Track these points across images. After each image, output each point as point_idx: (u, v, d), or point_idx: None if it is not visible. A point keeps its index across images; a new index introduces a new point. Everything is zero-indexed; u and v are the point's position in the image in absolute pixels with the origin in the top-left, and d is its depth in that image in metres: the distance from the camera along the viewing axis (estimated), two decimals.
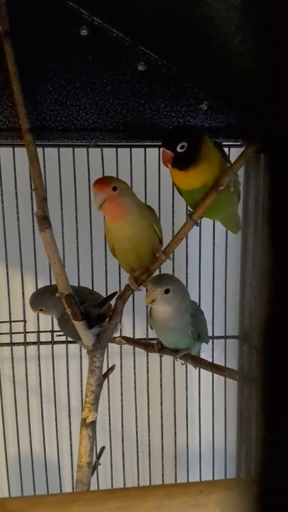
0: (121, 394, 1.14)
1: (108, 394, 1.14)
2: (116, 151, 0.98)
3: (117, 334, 0.96)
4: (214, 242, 1.07)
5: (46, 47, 0.86)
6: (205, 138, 0.79)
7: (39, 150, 0.88)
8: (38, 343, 1.12)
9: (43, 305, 0.92)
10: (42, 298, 0.92)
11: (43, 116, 0.89)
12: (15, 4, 0.83)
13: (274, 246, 0.21)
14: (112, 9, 0.83)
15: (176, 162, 0.78)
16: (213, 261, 1.08)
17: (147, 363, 1.13)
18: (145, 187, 0.99)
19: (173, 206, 1.01)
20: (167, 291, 0.81)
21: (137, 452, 1.18)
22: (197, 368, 0.99)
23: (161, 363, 1.13)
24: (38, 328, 1.11)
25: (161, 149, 0.79)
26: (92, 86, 0.89)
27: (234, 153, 0.89)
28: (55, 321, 0.96)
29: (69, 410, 1.13)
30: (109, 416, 1.15)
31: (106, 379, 0.95)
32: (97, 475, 1.13)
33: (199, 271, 1.08)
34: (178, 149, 0.76)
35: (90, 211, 1.02)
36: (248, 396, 1.13)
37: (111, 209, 0.81)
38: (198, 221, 0.83)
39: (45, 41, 0.86)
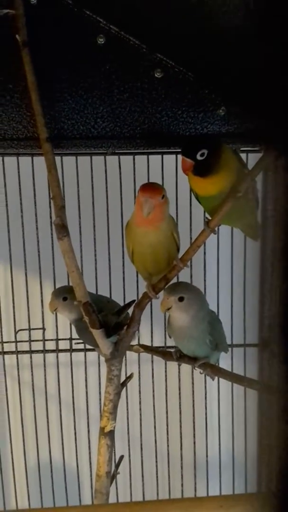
0: (140, 402, 1.13)
1: (127, 402, 1.13)
2: (134, 158, 0.98)
3: (135, 342, 0.96)
4: (232, 249, 1.06)
5: (64, 56, 0.87)
6: (224, 145, 0.79)
7: (57, 158, 0.88)
8: (57, 350, 1.12)
9: (68, 294, 0.90)
10: (67, 291, 0.91)
11: (61, 125, 0.90)
12: (32, 14, 0.84)
13: None
14: (128, 17, 0.83)
15: (196, 169, 0.77)
16: (231, 269, 1.07)
17: (165, 371, 1.12)
18: None
19: (190, 213, 1.00)
20: (181, 299, 0.80)
21: (156, 461, 1.16)
22: (214, 380, 0.97)
23: (179, 372, 1.12)
24: (57, 335, 1.11)
25: (181, 157, 0.79)
26: (110, 94, 0.89)
27: (252, 159, 0.88)
28: (74, 329, 0.96)
29: (87, 418, 1.13)
30: (128, 425, 1.15)
31: (124, 388, 0.95)
32: (116, 484, 1.12)
33: (217, 279, 1.07)
34: (198, 157, 0.76)
35: (108, 219, 1.02)
36: (268, 406, 1.10)
37: (154, 216, 0.81)
38: (216, 229, 0.82)
39: (62, 50, 0.87)
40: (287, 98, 0.21)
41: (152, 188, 0.81)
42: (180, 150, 0.92)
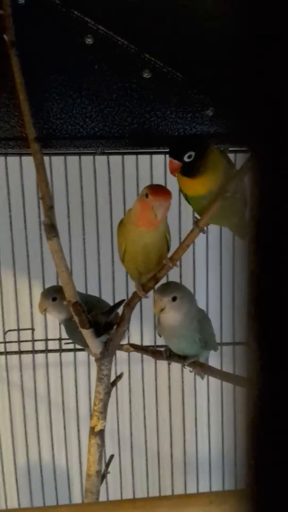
0: (130, 401, 1.14)
1: (117, 401, 1.13)
2: (123, 158, 0.98)
3: (125, 342, 0.96)
4: (221, 248, 1.07)
5: (52, 56, 0.87)
6: (212, 146, 0.80)
7: (46, 158, 0.88)
8: (46, 351, 1.12)
9: (57, 294, 0.90)
10: (56, 291, 0.90)
11: (49, 125, 0.89)
12: (20, 14, 0.84)
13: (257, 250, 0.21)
14: (117, 17, 0.83)
15: (184, 170, 0.78)
16: (220, 268, 1.08)
17: (155, 370, 1.12)
18: None
19: (179, 212, 1.01)
20: (174, 299, 0.81)
21: (146, 460, 1.17)
22: (204, 379, 0.98)
23: (169, 370, 1.12)
24: (46, 336, 1.11)
25: (168, 159, 0.79)
26: (98, 94, 0.89)
27: (240, 159, 0.88)
28: (63, 329, 0.96)
29: (77, 418, 1.13)
30: (118, 424, 1.15)
31: (114, 387, 0.95)
32: (106, 483, 1.12)
33: (207, 278, 1.08)
34: (186, 159, 0.77)
35: (97, 219, 1.02)
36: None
37: (162, 217, 0.81)
38: (205, 228, 0.82)
39: (50, 50, 0.87)
40: (262, 99, 0.22)
41: (164, 192, 0.80)
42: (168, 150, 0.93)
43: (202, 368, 0.88)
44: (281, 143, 0.21)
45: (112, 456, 1.03)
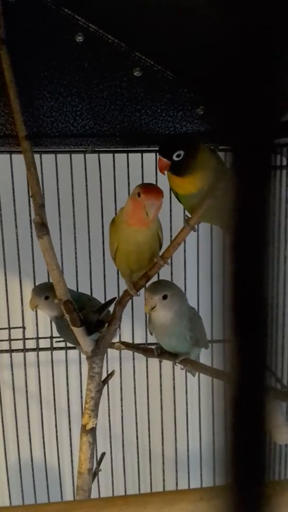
0: (121, 399, 1.14)
1: (108, 399, 1.14)
2: (113, 156, 0.98)
3: (116, 340, 0.96)
4: (212, 246, 1.07)
5: (42, 54, 0.87)
6: (201, 145, 0.80)
7: (36, 156, 0.88)
8: (37, 349, 1.12)
9: (49, 292, 0.90)
10: (48, 289, 0.90)
11: (40, 123, 0.89)
12: (11, 11, 0.83)
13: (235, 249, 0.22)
14: (107, 15, 0.83)
15: (173, 169, 0.78)
16: (211, 265, 1.08)
17: (147, 368, 1.13)
18: None
19: (170, 211, 1.01)
20: (164, 297, 0.81)
21: (138, 458, 1.17)
22: (195, 376, 0.99)
23: (160, 368, 1.13)
24: (37, 334, 1.11)
25: (158, 157, 0.80)
26: (89, 92, 0.89)
27: (231, 158, 0.89)
28: (54, 327, 0.96)
29: (69, 416, 1.13)
30: (109, 422, 1.15)
31: (106, 385, 0.95)
32: (98, 481, 1.12)
33: (197, 276, 1.08)
34: (175, 158, 0.77)
35: (88, 217, 1.02)
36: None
37: (153, 218, 0.81)
38: (196, 226, 0.83)
39: (41, 48, 0.87)
40: (246, 99, 0.22)
41: (156, 191, 0.80)
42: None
43: (193, 366, 0.89)
44: (260, 145, 0.21)
45: (103, 454, 1.03)
